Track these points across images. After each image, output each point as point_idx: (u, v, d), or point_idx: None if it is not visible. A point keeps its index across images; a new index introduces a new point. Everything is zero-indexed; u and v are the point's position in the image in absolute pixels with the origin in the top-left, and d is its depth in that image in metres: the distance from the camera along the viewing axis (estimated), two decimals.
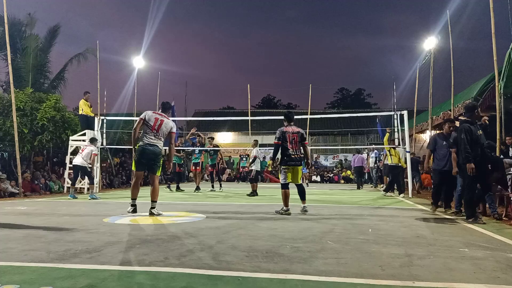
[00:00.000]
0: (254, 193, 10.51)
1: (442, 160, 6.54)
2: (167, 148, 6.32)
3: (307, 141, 6.69)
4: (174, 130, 6.01)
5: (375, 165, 15.05)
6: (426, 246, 3.70)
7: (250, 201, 8.93)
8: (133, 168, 6.12)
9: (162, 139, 5.92)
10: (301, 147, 6.39)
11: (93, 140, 10.24)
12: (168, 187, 13.00)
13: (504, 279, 2.60)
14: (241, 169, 19.65)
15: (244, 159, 18.56)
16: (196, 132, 13.41)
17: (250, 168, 11.18)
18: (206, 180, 18.92)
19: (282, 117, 6.64)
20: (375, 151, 15.54)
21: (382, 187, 14.16)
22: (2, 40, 13.90)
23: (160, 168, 5.99)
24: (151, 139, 5.78)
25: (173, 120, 6.19)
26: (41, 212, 6.56)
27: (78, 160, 9.73)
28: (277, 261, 3.03)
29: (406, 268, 2.86)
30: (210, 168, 13.07)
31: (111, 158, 16.17)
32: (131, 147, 6.02)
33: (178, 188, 12.55)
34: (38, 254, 3.25)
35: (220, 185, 12.97)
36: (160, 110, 6.10)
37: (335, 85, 64.09)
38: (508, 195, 6.12)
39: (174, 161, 12.38)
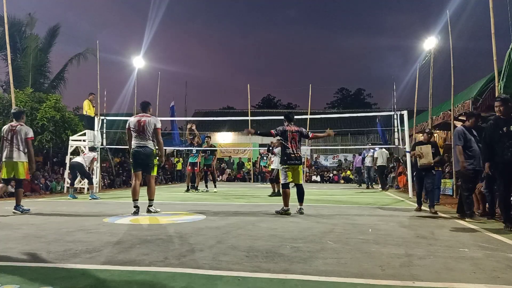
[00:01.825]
0: (274, 193, 10.19)
1: (474, 157, 5.77)
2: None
3: (312, 134, 6.70)
4: (158, 125, 6.29)
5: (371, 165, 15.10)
6: (426, 246, 3.70)
7: (250, 201, 8.93)
8: (132, 170, 6.40)
9: (151, 139, 6.19)
10: (301, 147, 6.46)
11: (92, 149, 10.64)
12: (193, 187, 12.40)
13: (504, 279, 2.60)
14: (264, 169, 19.36)
15: (265, 158, 18.23)
16: (194, 130, 12.94)
17: (271, 168, 11.12)
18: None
19: (282, 117, 6.67)
20: (375, 149, 15.57)
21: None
22: (2, 40, 13.92)
23: (155, 167, 6.30)
24: (140, 141, 6.14)
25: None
26: (41, 212, 6.56)
27: (77, 159, 9.88)
28: (277, 261, 3.03)
29: (406, 268, 2.86)
30: (205, 168, 12.44)
31: (111, 158, 16.18)
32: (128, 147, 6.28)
33: (191, 188, 12.32)
34: (38, 254, 3.25)
35: (215, 185, 12.41)
36: (142, 111, 6.38)
37: (335, 85, 64.05)
38: None
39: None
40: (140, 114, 6.29)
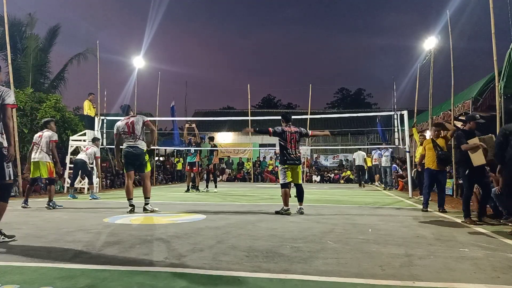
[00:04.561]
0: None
1: None
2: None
3: (311, 132, 6.82)
4: (146, 119, 6.52)
5: (388, 165, 15.11)
6: (426, 246, 3.70)
7: (250, 201, 8.93)
8: (124, 170, 6.56)
9: (141, 138, 6.37)
10: (300, 148, 6.51)
11: (95, 140, 10.37)
12: (194, 188, 12.36)
13: (504, 279, 2.60)
14: (277, 169, 19.27)
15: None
16: (192, 126, 12.82)
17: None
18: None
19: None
20: (390, 149, 15.60)
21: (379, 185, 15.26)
22: (2, 40, 13.94)
23: (147, 165, 6.48)
24: (130, 142, 6.33)
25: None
26: (41, 212, 6.56)
27: (81, 156, 9.82)
28: (277, 261, 3.03)
29: (406, 268, 2.86)
30: (206, 168, 12.55)
31: (111, 158, 16.16)
32: None
33: (191, 188, 12.28)
34: (38, 254, 3.25)
35: (215, 185, 12.37)
36: (125, 115, 6.57)
37: (335, 85, 63.99)
38: None
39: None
40: (125, 117, 6.46)
